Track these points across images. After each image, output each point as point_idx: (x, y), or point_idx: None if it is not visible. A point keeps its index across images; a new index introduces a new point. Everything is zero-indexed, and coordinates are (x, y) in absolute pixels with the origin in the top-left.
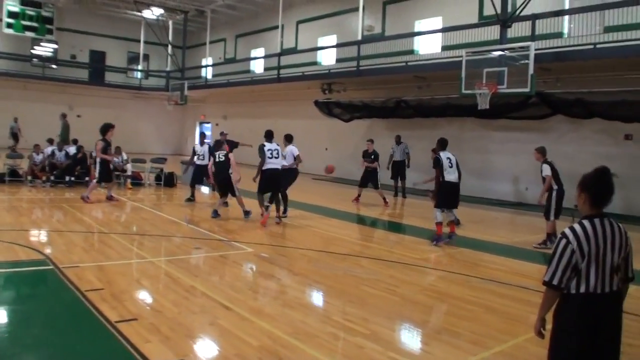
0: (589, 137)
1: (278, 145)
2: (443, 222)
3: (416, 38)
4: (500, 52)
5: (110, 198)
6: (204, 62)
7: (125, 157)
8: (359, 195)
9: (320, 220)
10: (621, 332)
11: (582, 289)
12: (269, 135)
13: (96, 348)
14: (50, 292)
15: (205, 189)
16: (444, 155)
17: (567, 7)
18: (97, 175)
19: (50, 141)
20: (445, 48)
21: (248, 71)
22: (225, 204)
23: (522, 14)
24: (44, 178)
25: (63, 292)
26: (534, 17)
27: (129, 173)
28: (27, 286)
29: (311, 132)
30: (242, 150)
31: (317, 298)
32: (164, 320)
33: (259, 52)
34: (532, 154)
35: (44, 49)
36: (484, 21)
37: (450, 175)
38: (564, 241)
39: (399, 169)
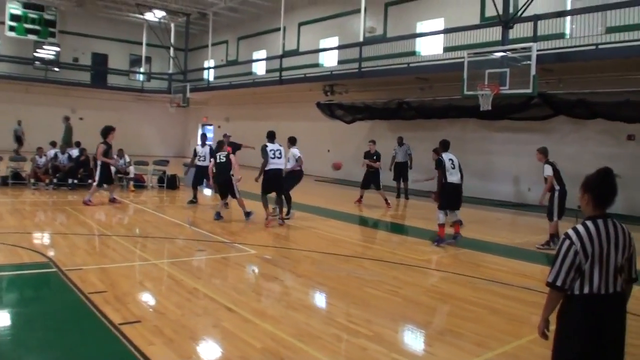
0: (591, 138)
1: (281, 145)
2: (446, 224)
3: (418, 39)
4: (502, 53)
5: (112, 200)
6: (206, 65)
7: (128, 159)
8: (361, 197)
9: (323, 222)
10: (625, 332)
11: (586, 290)
12: (271, 136)
13: (100, 350)
14: (53, 295)
15: (207, 191)
16: (446, 156)
17: (569, 7)
18: (97, 178)
19: (53, 144)
20: (447, 49)
21: (250, 73)
22: (226, 205)
23: (524, 14)
24: (47, 181)
25: (66, 294)
26: (535, 18)
27: (131, 175)
28: (31, 289)
29: (313, 134)
30: (244, 151)
31: (320, 300)
32: (168, 322)
33: (261, 54)
34: (534, 154)
35: (47, 52)
36: (486, 22)
37: (453, 177)
38: (567, 242)
39: (401, 170)
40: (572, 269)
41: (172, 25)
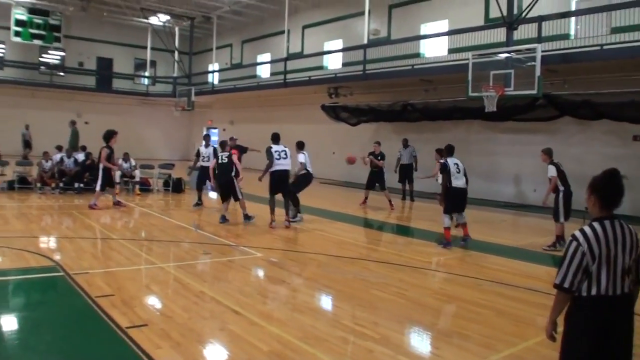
0: (597, 139)
1: (285, 146)
2: (452, 226)
3: (422, 41)
4: (506, 54)
5: (117, 203)
6: (210, 68)
7: (133, 163)
8: (366, 198)
9: (328, 224)
10: (633, 334)
11: (593, 292)
12: (276, 138)
13: (107, 354)
14: (60, 299)
15: (213, 194)
16: (451, 161)
17: (573, 8)
18: (99, 182)
19: (59, 148)
20: (451, 51)
21: (254, 76)
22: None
23: (528, 15)
24: (53, 185)
25: (73, 298)
26: (540, 19)
27: (137, 179)
28: (38, 293)
29: (318, 137)
30: (249, 154)
31: (326, 302)
32: (175, 325)
33: (265, 57)
34: (539, 156)
35: (52, 57)
36: (490, 23)
37: (458, 181)
38: (574, 244)
39: (406, 172)
40: (580, 270)
41: (177, 29)
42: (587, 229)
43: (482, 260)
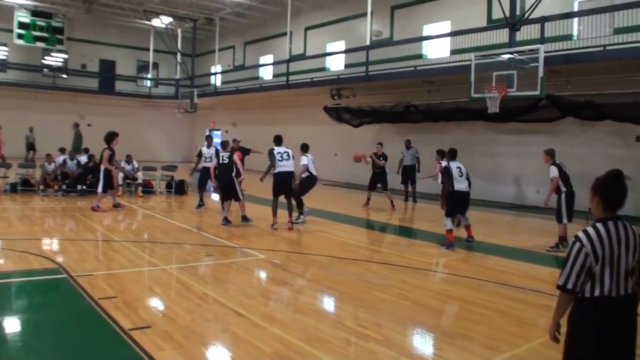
0: (599, 139)
1: (288, 148)
2: (459, 227)
3: (425, 42)
4: (509, 55)
5: (116, 205)
6: (213, 70)
7: (136, 165)
8: (368, 199)
9: (331, 226)
10: (636, 335)
11: (597, 293)
12: (278, 140)
13: (110, 356)
14: (63, 301)
15: (215, 196)
16: (453, 165)
17: (576, 9)
18: (101, 184)
19: (62, 150)
20: (454, 52)
21: (257, 78)
22: (223, 208)
23: (531, 16)
24: (55, 187)
25: (76, 300)
26: (543, 20)
27: (140, 181)
28: (41, 295)
29: (320, 138)
30: (252, 156)
31: (329, 304)
32: (178, 327)
33: (268, 58)
34: (542, 156)
35: (55, 59)
36: (493, 24)
37: (460, 185)
38: (577, 244)
39: (409, 173)
40: (583, 271)
41: (179, 31)
42: (590, 229)
43: (484, 262)
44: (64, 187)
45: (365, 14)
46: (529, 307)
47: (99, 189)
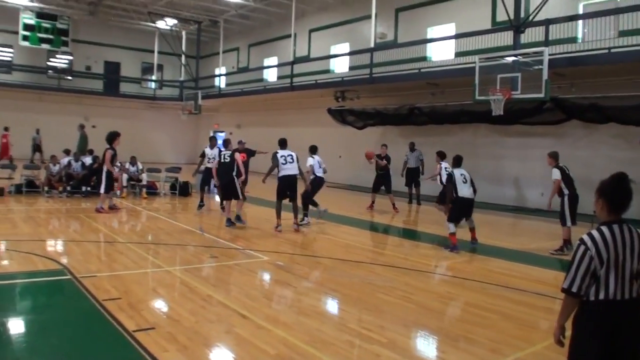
0: (604, 142)
1: (292, 151)
2: (464, 229)
3: (429, 45)
4: (513, 58)
5: (112, 207)
6: (217, 72)
7: (140, 166)
8: (372, 202)
9: (335, 228)
10: None
11: (601, 296)
12: (282, 143)
13: (114, 357)
14: (67, 302)
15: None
16: (457, 171)
17: (581, 11)
18: (103, 185)
19: (67, 152)
20: (458, 54)
21: (261, 80)
22: (222, 208)
23: (535, 19)
24: (60, 189)
25: (81, 301)
26: (547, 22)
27: (144, 182)
28: (45, 296)
29: (325, 140)
30: (257, 157)
31: (332, 306)
32: (182, 329)
33: (272, 60)
34: (546, 159)
35: (60, 61)
36: (497, 27)
37: (464, 191)
38: (582, 248)
39: (413, 176)
40: (588, 274)
41: (184, 33)
42: (595, 233)
43: (488, 264)
44: (68, 188)
45: (369, 16)
46: (533, 310)
47: (102, 190)
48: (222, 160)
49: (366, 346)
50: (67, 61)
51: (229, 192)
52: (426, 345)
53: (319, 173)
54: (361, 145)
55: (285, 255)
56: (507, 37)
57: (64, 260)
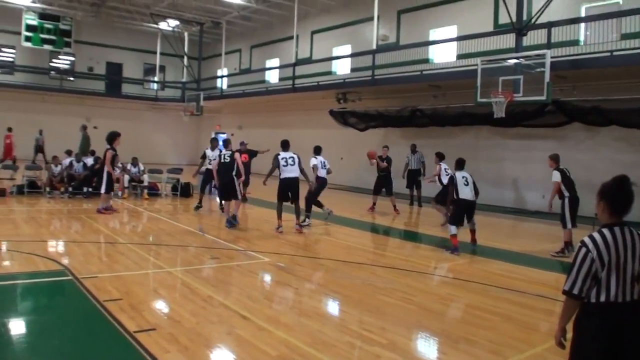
0: (606, 145)
1: (294, 153)
2: (465, 231)
3: (431, 47)
4: (516, 60)
5: (107, 209)
6: (219, 73)
7: (141, 167)
8: (374, 204)
9: (336, 229)
10: None
11: (603, 298)
12: (284, 145)
13: (115, 358)
14: (68, 303)
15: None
16: (459, 174)
17: (583, 14)
18: (104, 186)
19: (69, 152)
20: (460, 57)
21: (263, 81)
22: (222, 209)
23: (537, 21)
24: (62, 189)
25: (82, 302)
26: (549, 25)
27: (145, 183)
28: (46, 297)
29: (326, 142)
30: (261, 158)
31: (334, 307)
32: (183, 330)
33: (274, 62)
34: (547, 161)
35: (62, 62)
36: (500, 29)
37: (465, 193)
38: (583, 250)
39: (414, 178)
40: (589, 277)
41: (186, 34)
42: (596, 235)
43: (489, 266)
44: (70, 189)
45: (371, 18)
46: (534, 312)
47: (102, 190)
48: (222, 161)
49: (367, 348)
50: (69, 62)
51: (228, 192)
52: (427, 346)
53: (322, 174)
54: (363, 147)
55: (287, 257)
56: (509, 40)
57: (65, 261)
